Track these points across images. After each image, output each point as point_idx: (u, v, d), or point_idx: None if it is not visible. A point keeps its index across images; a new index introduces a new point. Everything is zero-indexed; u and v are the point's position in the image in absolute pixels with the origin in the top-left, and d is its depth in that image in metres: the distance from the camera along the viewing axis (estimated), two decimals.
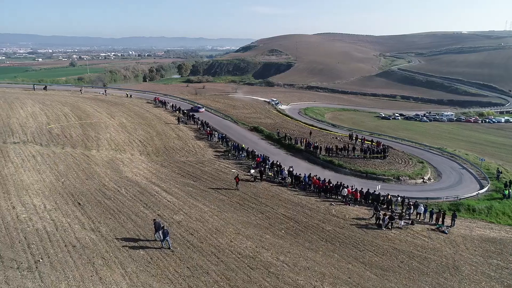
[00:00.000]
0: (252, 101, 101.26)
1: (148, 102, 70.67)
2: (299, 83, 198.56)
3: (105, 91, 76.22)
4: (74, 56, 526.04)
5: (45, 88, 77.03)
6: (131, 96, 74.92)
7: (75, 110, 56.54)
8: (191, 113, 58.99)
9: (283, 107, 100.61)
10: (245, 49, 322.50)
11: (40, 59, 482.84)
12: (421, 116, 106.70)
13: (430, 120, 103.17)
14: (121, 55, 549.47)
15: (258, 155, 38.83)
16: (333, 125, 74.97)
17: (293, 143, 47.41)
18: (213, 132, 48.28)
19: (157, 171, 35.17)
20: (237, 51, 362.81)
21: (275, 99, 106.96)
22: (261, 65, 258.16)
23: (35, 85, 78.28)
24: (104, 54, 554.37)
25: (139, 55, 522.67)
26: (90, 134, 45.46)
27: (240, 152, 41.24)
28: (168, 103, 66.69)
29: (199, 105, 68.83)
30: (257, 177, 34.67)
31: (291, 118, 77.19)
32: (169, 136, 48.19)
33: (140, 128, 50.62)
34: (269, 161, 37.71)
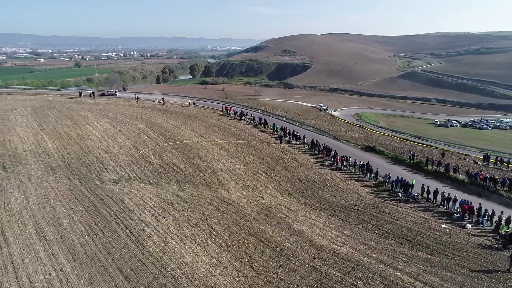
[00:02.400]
0: (297, 106, 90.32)
1: (217, 113, 58.89)
2: (320, 85, 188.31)
3: (162, 99, 64.10)
4: (76, 56, 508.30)
5: (92, 95, 64.68)
6: (194, 104, 63.03)
7: (151, 126, 44.93)
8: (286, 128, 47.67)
9: (334, 113, 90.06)
10: (254, 49, 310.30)
11: (42, 59, 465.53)
12: (481, 123, 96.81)
13: (491, 128, 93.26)
14: (124, 55, 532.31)
15: (466, 202, 26.58)
16: (419, 137, 64.52)
17: (445, 172, 36.35)
18: (347, 157, 37.01)
19: (340, 227, 23.95)
20: (245, 51, 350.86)
21: (322, 104, 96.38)
22: (275, 66, 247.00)
23: (81, 91, 65.79)
24: (106, 54, 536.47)
25: (141, 55, 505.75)
26: (197, 163, 34.02)
27: (411, 191, 30.01)
28: (246, 114, 55.04)
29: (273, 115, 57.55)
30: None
31: (367, 128, 66.47)
32: (289, 163, 36.91)
33: (245, 151, 39.25)
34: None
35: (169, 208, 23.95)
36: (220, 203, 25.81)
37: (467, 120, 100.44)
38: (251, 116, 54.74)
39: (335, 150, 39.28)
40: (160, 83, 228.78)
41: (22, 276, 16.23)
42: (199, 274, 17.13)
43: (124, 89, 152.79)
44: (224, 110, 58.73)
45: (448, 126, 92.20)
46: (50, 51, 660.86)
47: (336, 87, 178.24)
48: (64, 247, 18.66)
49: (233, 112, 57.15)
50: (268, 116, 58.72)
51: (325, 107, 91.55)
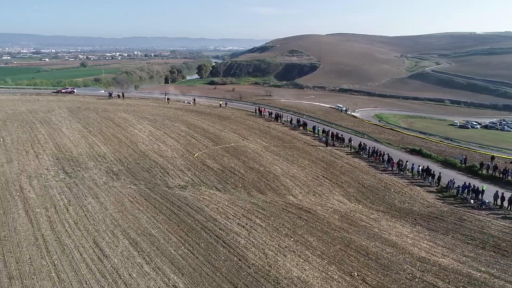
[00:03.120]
0: (317, 107, 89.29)
1: (250, 114, 57.73)
2: (329, 86, 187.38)
3: (194, 99, 62.89)
4: (80, 56, 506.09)
5: (122, 96, 63.45)
6: (226, 104, 61.87)
7: (194, 129, 43.84)
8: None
9: (354, 114, 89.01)
10: (261, 49, 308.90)
11: (46, 59, 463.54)
12: (501, 124, 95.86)
13: None
14: (128, 55, 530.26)
15: None
16: (450, 139, 63.50)
17: (504, 176, 35.29)
18: (403, 161, 35.92)
19: (430, 237, 22.81)
20: (250, 51, 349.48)
21: (341, 105, 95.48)
22: (283, 66, 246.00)
23: (111, 92, 64.54)
24: (110, 54, 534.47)
25: (145, 55, 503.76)
26: (255, 167, 32.93)
27: (481, 197, 28.89)
28: (282, 116, 53.91)
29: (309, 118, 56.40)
30: None
31: (399, 131, 65.38)
32: (344, 167, 35.83)
33: (296, 155, 38.14)
34: None
35: (251, 216, 22.87)
36: (298, 211, 24.74)
37: (486, 121, 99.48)
38: (288, 118, 53.62)
39: (388, 154, 38.22)
40: (168, 83, 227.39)
41: None
42: None
43: (136, 89, 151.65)
44: (257, 111, 57.58)
45: (468, 128, 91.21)
46: (54, 51, 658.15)
47: (346, 88, 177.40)
48: (165, 260, 17.59)
49: (267, 113, 55.98)
50: (301, 117, 57.69)
51: (344, 108, 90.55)
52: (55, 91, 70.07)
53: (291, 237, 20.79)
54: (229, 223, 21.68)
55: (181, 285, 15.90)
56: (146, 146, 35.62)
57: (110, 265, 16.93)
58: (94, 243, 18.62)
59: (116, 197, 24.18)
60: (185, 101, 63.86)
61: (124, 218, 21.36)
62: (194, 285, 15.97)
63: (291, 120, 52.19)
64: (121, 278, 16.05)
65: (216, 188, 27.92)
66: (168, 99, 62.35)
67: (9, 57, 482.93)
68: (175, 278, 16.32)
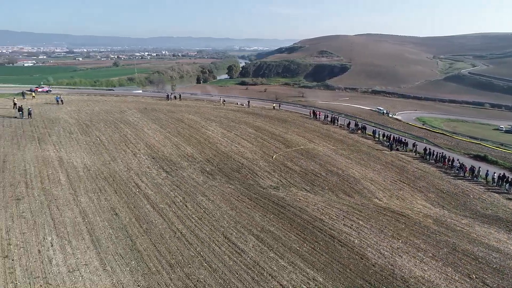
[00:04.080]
0: (357, 109, 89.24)
1: (305, 117, 59.01)
2: (361, 87, 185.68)
3: (248, 102, 64.79)
4: (111, 56, 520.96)
5: (179, 97, 66.16)
6: (279, 106, 63.44)
7: (261, 131, 45.62)
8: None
9: (396, 117, 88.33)
10: (289, 50, 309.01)
11: (80, 59, 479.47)
12: None
13: None
14: (156, 55, 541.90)
15: None
16: (504, 145, 62.30)
17: None
18: (475, 168, 36.22)
19: None
20: (278, 51, 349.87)
21: (381, 108, 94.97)
22: (312, 67, 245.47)
23: (170, 94, 67.43)
24: (139, 54, 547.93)
25: (173, 55, 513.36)
26: (333, 170, 34.21)
27: None
28: (338, 119, 54.90)
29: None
30: None
31: (451, 135, 64.76)
32: (416, 172, 36.50)
33: (366, 158, 39.14)
34: None
35: (352, 218, 24.17)
36: (392, 214, 25.82)
37: None
38: (344, 121, 54.54)
39: (458, 160, 38.58)
40: (200, 83, 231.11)
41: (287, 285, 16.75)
42: None
43: (173, 89, 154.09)
44: (311, 114, 58.76)
45: None
46: (85, 50, 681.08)
47: (379, 89, 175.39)
48: (295, 255, 19.13)
49: (324, 116, 57.08)
50: (355, 120, 58.51)
51: (385, 111, 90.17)
52: (29, 89, 63.56)
53: (398, 239, 21.94)
54: (336, 224, 23.06)
55: (320, 279, 17.40)
56: (225, 148, 37.54)
57: (249, 258, 18.65)
58: (225, 237, 20.43)
59: (222, 196, 26.04)
60: (238, 103, 65.84)
61: (240, 216, 23.12)
62: (331, 280, 17.43)
63: (349, 123, 53.05)
64: (264, 270, 17.71)
65: (305, 189, 29.38)
66: (224, 101, 64.52)
67: (45, 56, 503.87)
68: (312, 272, 17.84)
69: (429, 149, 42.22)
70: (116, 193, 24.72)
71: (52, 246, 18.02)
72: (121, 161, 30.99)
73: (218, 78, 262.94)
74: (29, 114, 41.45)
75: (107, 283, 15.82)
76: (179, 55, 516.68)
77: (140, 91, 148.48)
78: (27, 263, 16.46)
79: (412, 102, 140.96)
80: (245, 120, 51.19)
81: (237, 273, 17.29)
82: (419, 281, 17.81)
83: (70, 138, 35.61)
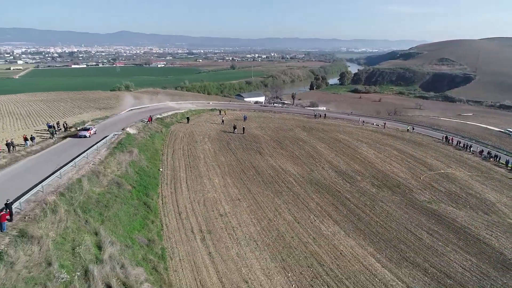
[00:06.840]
0: (484, 131, 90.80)
1: (437, 141, 68.83)
2: (487, 100, 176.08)
3: (384, 124, 77.14)
4: (226, 57, 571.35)
5: (324, 116, 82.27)
6: (413, 129, 74.53)
7: (403, 153, 57.79)
8: None
9: None
10: (404, 56, 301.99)
11: (200, 60, 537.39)
12: None
13: None
14: (266, 56, 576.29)
15: None
16: None
17: None
18: None
19: None
20: (391, 57, 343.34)
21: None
22: (430, 75, 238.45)
23: (316, 114, 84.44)
24: (250, 56, 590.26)
25: (282, 58, 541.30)
26: (472, 193, 44.98)
27: None
28: (470, 146, 63.38)
29: None
30: None
31: None
32: None
33: (502, 187, 48.37)
34: None
35: (492, 229, 35.71)
36: None
37: None
38: (478, 148, 62.72)
39: None
40: (313, 89, 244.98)
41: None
42: None
43: (293, 98, 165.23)
44: (444, 139, 68.15)
45: None
46: (203, 51, 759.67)
47: (510, 104, 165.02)
48: (457, 247, 32.18)
49: (456, 142, 66.06)
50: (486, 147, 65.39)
51: None
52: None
53: None
54: (481, 232, 35.05)
55: (473, 259, 30.26)
56: (381, 167, 51.41)
57: (424, 244, 32.45)
58: (408, 230, 34.54)
59: (393, 204, 40.17)
60: (374, 123, 78.60)
61: (411, 218, 36.91)
62: (481, 262, 30.11)
63: (482, 151, 61.24)
64: (437, 251, 31.32)
65: (451, 205, 41.40)
66: (363, 121, 78.31)
67: (170, 57, 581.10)
68: (468, 256, 30.75)
69: None
70: (329, 194, 41.08)
71: (314, 221, 34.81)
72: (317, 172, 47.68)
73: (329, 83, 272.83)
74: (243, 130, 61.86)
75: (350, 241, 31.61)
76: (287, 57, 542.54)
77: (263, 99, 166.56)
78: (299, 228, 33.35)
79: None
80: (386, 142, 63.97)
81: (421, 252, 31.37)
82: None
83: (276, 152, 54.16)
